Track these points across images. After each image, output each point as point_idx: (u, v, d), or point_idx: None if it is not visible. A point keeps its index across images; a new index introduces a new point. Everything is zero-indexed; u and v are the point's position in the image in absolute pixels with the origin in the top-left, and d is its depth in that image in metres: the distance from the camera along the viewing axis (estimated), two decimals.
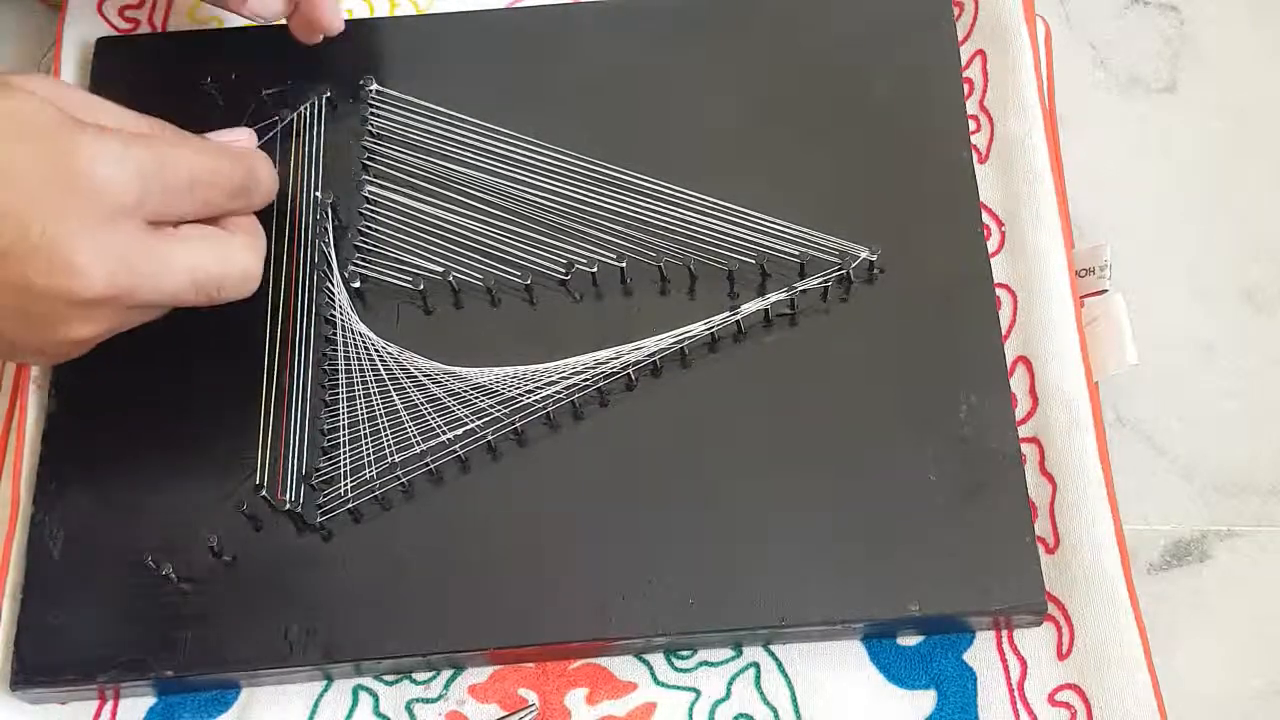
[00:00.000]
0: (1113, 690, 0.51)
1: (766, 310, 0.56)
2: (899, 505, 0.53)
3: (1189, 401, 0.58)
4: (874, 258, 0.56)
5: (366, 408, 0.55)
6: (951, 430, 0.54)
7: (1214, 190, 0.62)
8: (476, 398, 0.55)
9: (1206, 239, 0.61)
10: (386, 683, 0.54)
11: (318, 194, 0.59)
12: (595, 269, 0.57)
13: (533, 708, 0.53)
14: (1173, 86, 0.64)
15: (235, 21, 0.64)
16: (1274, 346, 0.59)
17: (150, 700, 0.54)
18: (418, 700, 0.53)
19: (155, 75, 0.62)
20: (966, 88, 0.61)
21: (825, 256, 0.57)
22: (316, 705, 0.53)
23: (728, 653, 0.54)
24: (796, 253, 0.57)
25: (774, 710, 0.52)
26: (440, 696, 0.53)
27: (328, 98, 0.61)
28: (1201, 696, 0.53)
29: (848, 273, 0.56)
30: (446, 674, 0.54)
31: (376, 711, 0.53)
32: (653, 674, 0.53)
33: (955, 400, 0.55)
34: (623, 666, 0.54)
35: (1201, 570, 0.55)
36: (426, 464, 0.54)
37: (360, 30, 0.63)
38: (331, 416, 0.55)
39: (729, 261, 0.57)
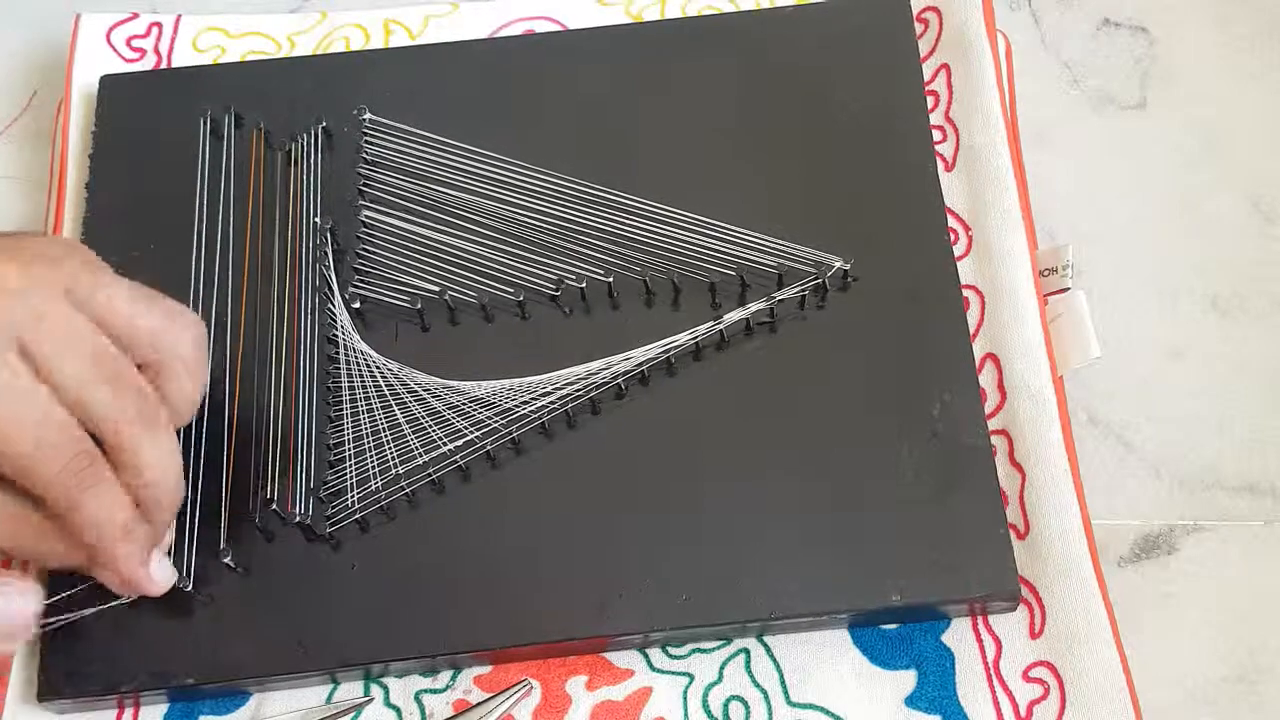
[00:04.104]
0: (1083, 665, 0.52)
1: (747, 319, 0.58)
2: (879, 501, 0.55)
3: (1158, 403, 0.59)
4: (847, 266, 0.58)
5: (370, 422, 0.57)
6: (926, 428, 0.56)
7: (1182, 202, 0.63)
8: (475, 410, 0.57)
9: (1175, 249, 0.62)
10: (396, 675, 0.55)
11: (317, 220, 0.60)
12: (584, 284, 0.58)
13: (524, 685, 0.54)
14: (1142, 104, 0.65)
15: (236, 55, 0.67)
16: (1238, 351, 0.60)
17: (166, 705, 0.55)
18: (426, 691, 0.55)
19: (158, 109, 0.64)
20: (932, 100, 0.63)
21: (801, 266, 0.58)
22: (330, 697, 0.55)
23: (720, 639, 0.55)
24: (774, 264, 0.58)
25: (764, 692, 0.54)
26: (447, 687, 0.55)
27: (324, 127, 0.63)
28: (1169, 684, 0.54)
29: (823, 281, 0.58)
30: None
31: (387, 702, 0.54)
32: (648, 661, 0.55)
33: (928, 399, 0.56)
34: (620, 654, 0.55)
35: (1169, 563, 0.56)
36: (429, 474, 0.55)
37: (353, 62, 0.65)
38: (337, 432, 0.57)
39: (710, 274, 0.58)
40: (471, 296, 0.59)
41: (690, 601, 0.54)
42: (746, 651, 0.55)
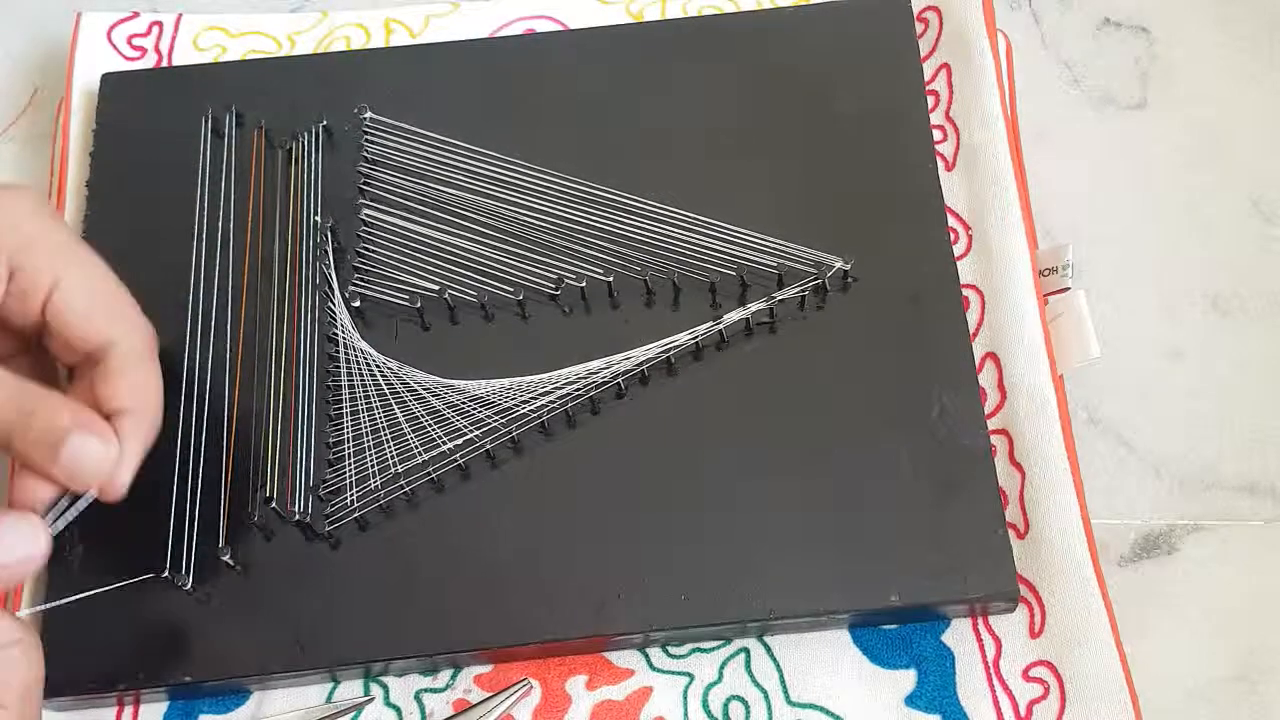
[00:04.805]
0: (1083, 665, 0.53)
1: (747, 319, 0.58)
2: (878, 502, 0.55)
3: (1158, 403, 0.59)
4: (848, 267, 0.58)
5: (370, 421, 0.57)
6: (925, 429, 0.56)
7: (1182, 203, 0.63)
8: (474, 409, 0.57)
9: (1175, 249, 0.62)
10: (395, 674, 0.55)
11: (317, 218, 0.61)
12: (584, 284, 0.58)
13: (524, 684, 0.54)
14: (1143, 104, 0.65)
15: (236, 54, 0.67)
16: (1239, 350, 0.60)
17: (167, 703, 0.55)
18: (426, 690, 0.55)
19: (158, 108, 0.64)
20: (932, 99, 0.63)
21: (801, 267, 0.58)
22: (330, 696, 0.55)
23: (719, 639, 0.55)
24: (774, 264, 0.58)
25: (764, 692, 0.54)
26: (447, 686, 0.55)
27: (324, 126, 0.63)
28: (1170, 683, 0.54)
29: (823, 282, 0.58)
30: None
31: (387, 701, 0.55)
32: (648, 660, 0.55)
33: (928, 400, 0.56)
34: (620, 654, 0.55)
35: (1169, 563, 0.56)
36: (428, 473, 0.55)
37: (353, 61, 0.66)
38: (336, 430, 0.57)
39: (711, 274, 0.58)
40: (471, 295, 0.59)
41: (690, 601, 0.54)
42: (746, 651, 0.55)
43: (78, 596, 0.53)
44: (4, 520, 0.46)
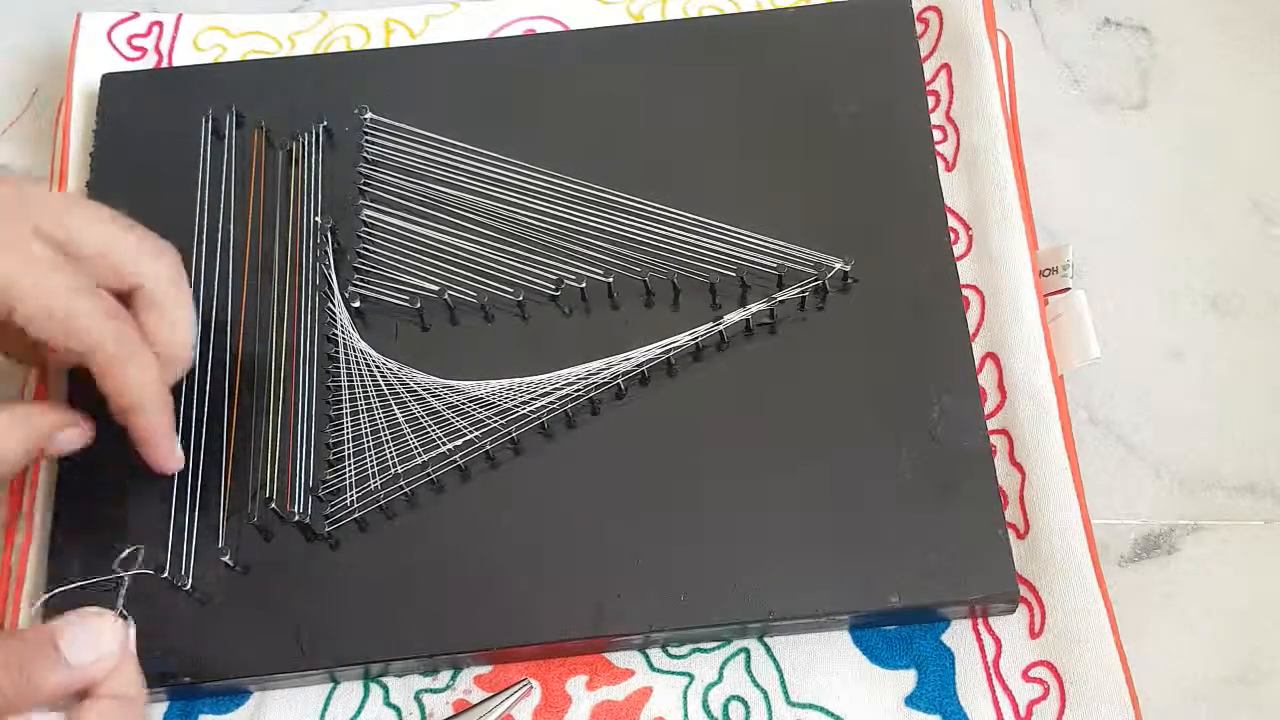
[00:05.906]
0: (1083, 665, 0.53)
1: (747, 320, 0.58)
2: (877, 502, 0.55)
3: (1158, 403, 0.59)
4: (848, 268, 0.58)
5: (369, 422, 0.57)
6: (925, 431, 0.56)
7: (1183, 202, 0.63)
8: (474, 409, 0.57)
9: (1175, 249, 0.62)
10: (395, 674, 0.55)
11: (317, 219, 0.61)
12: (584, 284, 0.58)
13: (524, 684, 0.54)
14: (1143, 104, 0.66)
15: (236, 54, 0.67)
16: (1239, 351, 0.60)
17: (166, 704, 0.55)
18: (426, 691, 0.55)
19: (159, 108, 0.64)
20: (933, 100, 0.63)
21: (802, 268, 0.58)
22: (330, 696, 0.55)
23: (719, 640, 0.55)
24: (774, 265, 0.58)
25: (764, 692, 0.54)
26: (447, 687, 0.55)
27: (325, 127, 0.63)
28: (1170, 683, 0.54)
29: (823, 283, 0.58)
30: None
31: (387, 702, 0.55)
32: (648, 661, 0.55)
33: (927, 402, 0.56)
34: (620, 654, 0.55)
35: (1169, 563, 0.57)
36: (428, 474, 0.55)
37: (353, 62, 0.66)
38: (336, 431, 0.57)
39: (710, 274, 0.58)
40: (471, 296, 0.59)
41: (689, 602, 0.54)
42: (746, 651, 0.55)
43: (74, 585, 0.53)
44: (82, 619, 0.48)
